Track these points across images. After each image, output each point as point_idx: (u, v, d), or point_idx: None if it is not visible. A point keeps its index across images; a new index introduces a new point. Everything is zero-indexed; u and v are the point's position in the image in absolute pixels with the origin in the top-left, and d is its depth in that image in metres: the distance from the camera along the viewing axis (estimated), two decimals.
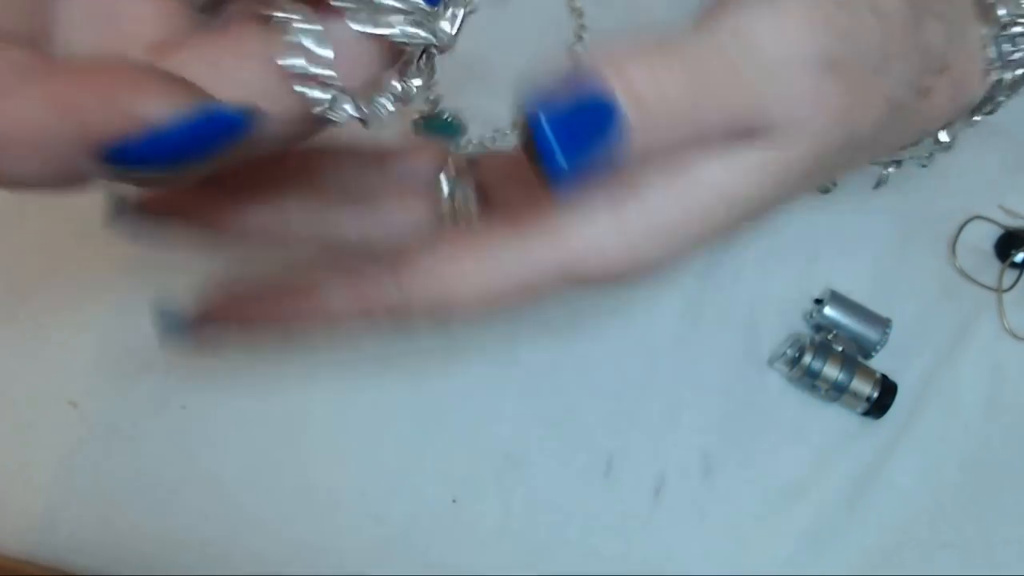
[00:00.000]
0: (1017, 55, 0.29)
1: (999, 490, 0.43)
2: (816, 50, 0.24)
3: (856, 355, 0.43)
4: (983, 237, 0.46)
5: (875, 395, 0.42)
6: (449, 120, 0.36)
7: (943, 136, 0.31)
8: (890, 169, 0.35)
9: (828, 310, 0.43)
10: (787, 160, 0.25)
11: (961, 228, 0.45)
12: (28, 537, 0.42)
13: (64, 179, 0.18)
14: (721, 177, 0.24)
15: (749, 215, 0.26)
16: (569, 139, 0.21)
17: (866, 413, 0.43)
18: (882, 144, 0.29)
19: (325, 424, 0.43)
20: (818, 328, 0.44)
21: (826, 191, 0.36)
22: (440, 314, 0.26)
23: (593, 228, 0.25)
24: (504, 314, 0.26)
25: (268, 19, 0.20)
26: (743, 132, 0.24)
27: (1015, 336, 0.44)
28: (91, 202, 0.30)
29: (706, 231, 0.25)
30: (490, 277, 0.25)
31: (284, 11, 0.20)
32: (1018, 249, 0.45)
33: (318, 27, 0.20)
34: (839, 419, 0.44)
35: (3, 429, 0.43)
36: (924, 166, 0.34)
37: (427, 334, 0.28)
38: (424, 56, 0.22)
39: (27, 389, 0.43)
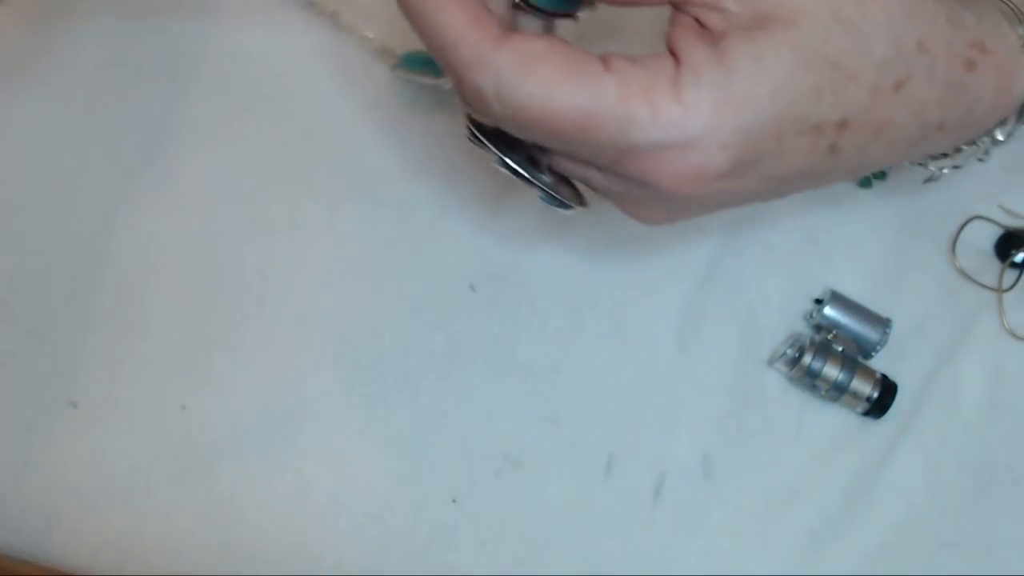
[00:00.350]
0: None
1: (999, 490, 0.43)
2: None
3: (856, 355, 0.43)
4: (983, 237, 0.46)
5: (875, 395, 0.42)
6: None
7: (999, 134, 0.34)
8: (945, 170, 0.37)
9: (828, 310, 0.43)
10: (795, 37, 0.27)
11: (961, 228, 0.45)
12: (28, 537, 0.42)
13: None
14: (751, 57, 0.27)
15: (792, 112, 0.27)
16: None
17: (866, 413, 0.43)
18: (927, 102, 0.30)
19: (325, 424, 0.43)
20: (818, 328, 0.44)
21: (867, 184, 0.37)
22: (506, 103, 0.27)
23: (657, 97, 0.27)
24: (563, 140, 0.28)
25: None
26: (756, 22, 0.27)
27: (1015, 336, 0.44)
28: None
29: (754, 116, 0.27)
30: (558, 88, 0.27)
31: None
32: (1018, 249, 0.45)
33: None
34: (839, 419, 0.44)
35: (3, 429, 0.43)
36: (981, 160, 0.36)
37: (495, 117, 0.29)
38: None
39: (27, 389, 0.43)
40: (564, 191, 0.33)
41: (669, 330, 0.44)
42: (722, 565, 0.42)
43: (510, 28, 0.29)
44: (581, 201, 0.34)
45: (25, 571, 0.42)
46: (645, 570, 0.42)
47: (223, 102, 0.46)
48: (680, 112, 0.27)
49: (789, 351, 0.43)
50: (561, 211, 0.33)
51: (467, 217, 0.45)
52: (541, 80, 0.27)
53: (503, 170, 0.31)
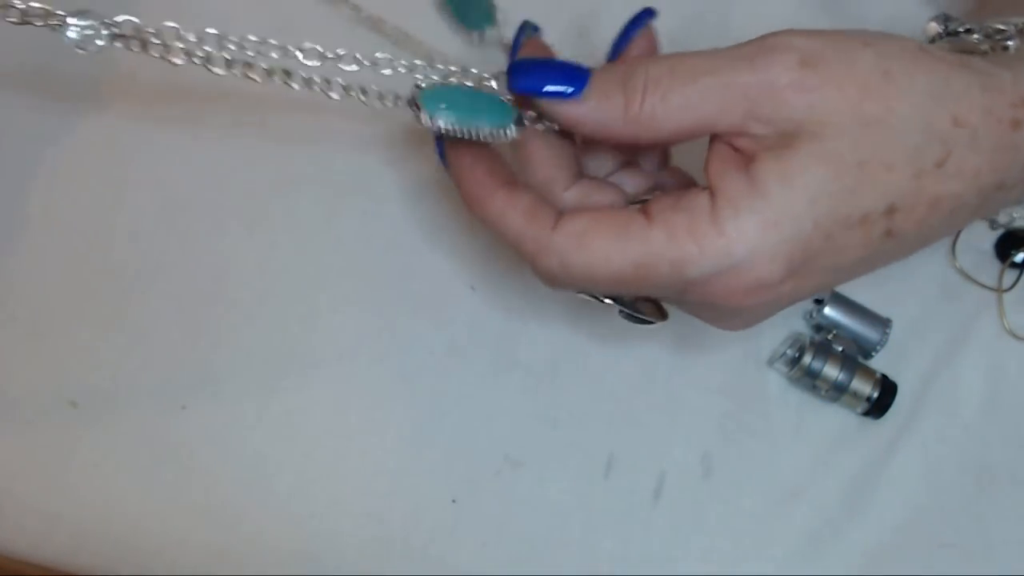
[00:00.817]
0: None
1: (999, 490, 0.43)
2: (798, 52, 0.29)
3: (856, 355, 0.43)
4: (983, 237, 0.46)
5: (875, 395, 0.42)
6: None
7: None
8: (1016, 215, 0.39)
9: (828, 310, 0.43)
10: (822, 150, 0.28)
11: (961, 228, 0.45)
12: (28, 537, 0.42)
13: None
14: (781, 177, 0.29)
15: (833, 214, 0.29)
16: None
17: (866, 413, 0.43)
18: (978, 169, 0.30)
19: (325, 424, 0.43)
20: (818, 328, 0.44)
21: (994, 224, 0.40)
22: (572, 276, 0.31)
23: (700, 235, 0.29)
24: (628, 289, 0.31)
25: None
26: (783, 140, 0.29)
27: (1015, 336, 0.44)
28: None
29: (794, 227, 0.29)
30: (611, 251, 0.30)
31: None
32: (1018, 249, 0.45)
33: None
34: (839, 419, 0.44)
35: (3, 429, 0.43)
36: None
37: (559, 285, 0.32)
38: None
39: (27, 389, 0.43)
40: (645, 307, 0.36)
41: (669, 330, 0.44)
42: (722, 565, 0.42)
43: (578, 179, 0.33)
44: (662, 315, 0.36)
45: (25, 571, 0.42)
46: (645, 570, 0.42)
47: (220, 102, 0.46)
48: (724, 243, 0.29)
49: (789, 351, 0.43)
50: (642, 326, 0.36)
51: (467, 217, 0.45)
52: (596, 249, 0.30)
53: (585, 296, 0.34)
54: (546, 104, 0.31)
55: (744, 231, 0.29)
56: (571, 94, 0.30)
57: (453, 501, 0.42)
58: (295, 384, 0.43)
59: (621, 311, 0.35)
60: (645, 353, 0.44)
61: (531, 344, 0.44)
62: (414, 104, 0.31)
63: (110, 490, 0.42)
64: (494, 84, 0.32)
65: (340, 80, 0.31)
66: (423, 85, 0.31)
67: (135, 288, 0.44)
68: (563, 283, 0.32)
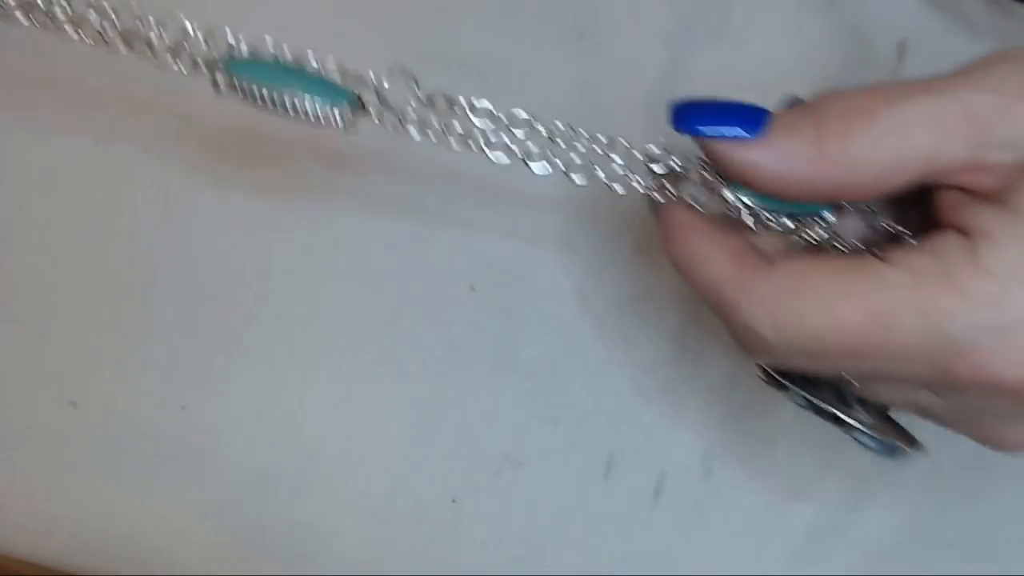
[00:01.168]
0: None
1: (999, 490, 0.43)
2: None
3: None
4: None
5: None
6: None
7: None
8: None
9: None
10: None
11: None
12: (28, 537, 0.42)
13: None
14: None
15: None
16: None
17: None
18: None
19: (325, 424, 0.43)
20: None
21: None
22: (784, 331, 0.25)
23: (957, 276, 0.23)
24: (862, 358, 0.24)
25: None
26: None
27: None
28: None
29: None
30: (836, 296, 0.24)
31: None
32: None
33: None
34: None
35: (3, 429, 0.43)
36: None
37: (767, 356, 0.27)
38: None
39: (27, 389, 0.43)
40: (887, 429, 0.29)
41: (670, 329, 0.44)
42: (722, 565, 0.42)
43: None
44: (910, 441, 0.30)
45: (25, 571, 0.42)
46: (645, 570, 0.42)
47: (218, 103, 0.46)
48: (991, 282, 0.22)
49: None
50: (889, 458, 0.30)
51: (467, 217, 0.45)
52: (817, 294, 0.24)
53: (812, 412, 0.29)
54: (717, 148, 0.25)
55: (1015, 267, 0.22)
56: (748, 136, 0.24)
57: (453, 501, 0.42)
58: (295, 384, 0.43)
59: (860, 436, 0.29)
60: (645, 353, 0.44)
61: (531, 344, 0.44)
62: (217, 68, 0.27)
63: (110, 490, 0.42)
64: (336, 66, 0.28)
65: (120, 34, 0.28)
66: (235, 55, 0.27)
67: (135, 288, 0.44)
68: (772, 345, 0.25)
